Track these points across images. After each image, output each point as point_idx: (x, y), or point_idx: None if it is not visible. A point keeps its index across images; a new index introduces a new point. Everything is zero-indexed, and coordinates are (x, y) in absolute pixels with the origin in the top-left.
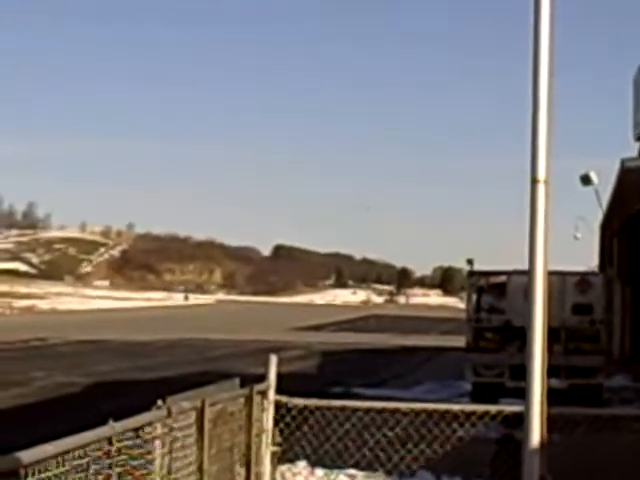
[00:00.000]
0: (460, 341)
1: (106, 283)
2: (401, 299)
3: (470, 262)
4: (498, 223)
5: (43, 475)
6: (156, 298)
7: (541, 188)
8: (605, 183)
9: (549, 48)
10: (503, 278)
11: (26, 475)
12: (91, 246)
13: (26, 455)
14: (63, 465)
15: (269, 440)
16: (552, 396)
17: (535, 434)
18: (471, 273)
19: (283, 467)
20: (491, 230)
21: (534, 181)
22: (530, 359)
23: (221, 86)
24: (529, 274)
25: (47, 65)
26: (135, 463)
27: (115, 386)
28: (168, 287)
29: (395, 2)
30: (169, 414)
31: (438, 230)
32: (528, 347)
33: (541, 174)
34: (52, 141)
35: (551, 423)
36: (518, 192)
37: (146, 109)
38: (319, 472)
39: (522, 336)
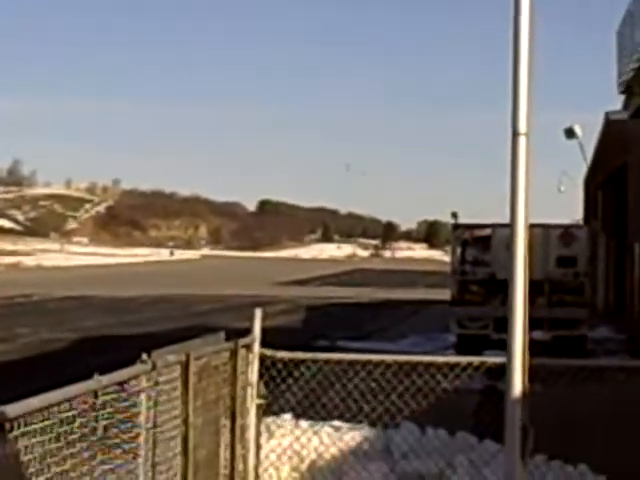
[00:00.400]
0: (445, 294)
1: (85, 240)
2: (386, 253)
3: (455, 215)
4: (483, 176)
5: (29, 428)
6: (142, 254)
7: (522, 141)
8: (589, 137)
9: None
10: (487, 231)
11: (12, 428)
12: (77, 203)
13: (11, 409)
14: (49, 418)
15: (254, 393)
16: (536, 348)
17: (517, 385)
18: (456, 226)
19: (268, 419)
20: (476, 183)
21: (515, 134)
22: (512, 311)
23: (211, 46)
24: (510, 227)
25: (32, 27)
26: (121, 417)
27: (101, 341)
28: (154, 243)
29: None
30: (154, 368)
31: (423, 184)
32: (510, 299)
33: (522, 127)
34: (38, 100)
35: (533, 374)
36: (502, 146)
37: (131, 68)
38: (304, 424)
39: (506, 289)
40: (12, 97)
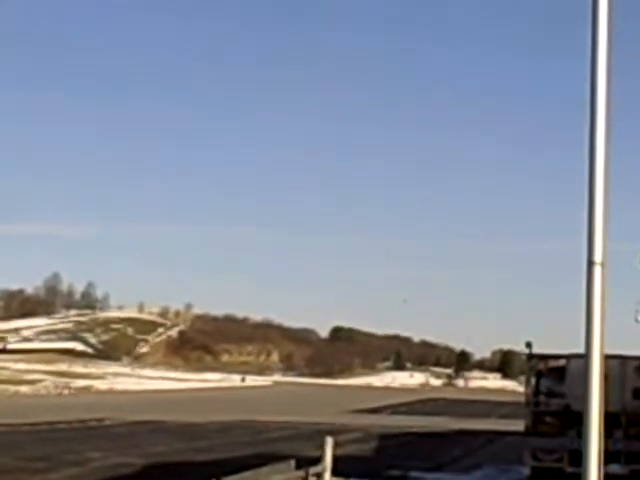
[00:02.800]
0: (519, 425)
1: (162, 364)
2: (460, 382)
3: (529, 345)
4: (558, 305)
5: None
6: (213, 379)
7: (597, 270)
8: None
9: (605, 134)
10: (562, 361)
11: None
12: (149, 326)
13: None
14: None
15: None
16: None
17: None
18: (530, 356)
19: None
20: (550, 312)
21: (590, 263)
22: (586, 444)
23: (279, 172)
24: (585, 358)
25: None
26: None
27: (170, 467)
28: (225, 368)
29: None
30: None
31: (497, 313)
32: (584, 432)
33: (597, 256)
34: (113, 224)
35: None
36: (579, 274)
37: (203, 194)
38: None
39: (581, 421)
40: (86, 221)
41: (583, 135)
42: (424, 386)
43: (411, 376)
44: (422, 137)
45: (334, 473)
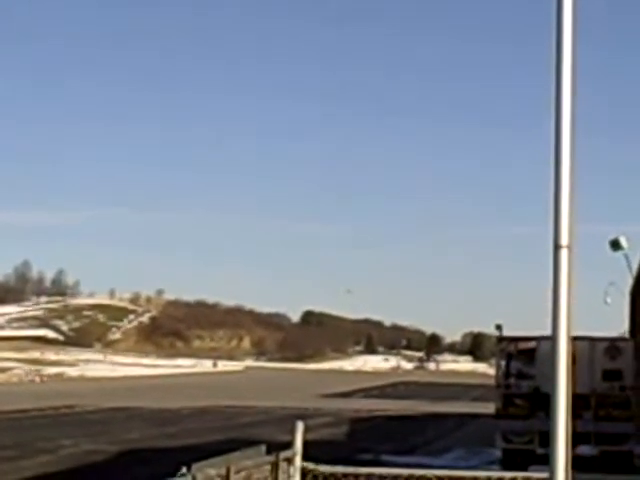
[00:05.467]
0: (490, 408)
1: (134, 351)
2: (431, 365)
3: (499, 328)
4: (527, 288)
5: None
6: (185, 365)
7: (564, 253)
8: (635, 248)
9: (571, 108)
10: (532, 344)
11: None
12: (120, 312)
13: None
14: None
15: None
16: (584, 463)
17: None
18: (500, 339)
19: None
20: (520, 296)
21: (557, 247)
22: (554, 426)
23: (246, 157)
24: (552, 340)
25: (82, 136)
26: None
27: (143, 453)
28: (197, 353)
29: None
30: None
31: (467, 296)
32: (552, 414)
33: (564, 240)
34: (82, 210)
35: None
36: (547, 257)
37: (178, 179)
38: None
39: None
40: (56, 208)
41: (550, 115)
42: (395, 369)
43: (384, 360)
44: (405, 123)
45: (305, 458)
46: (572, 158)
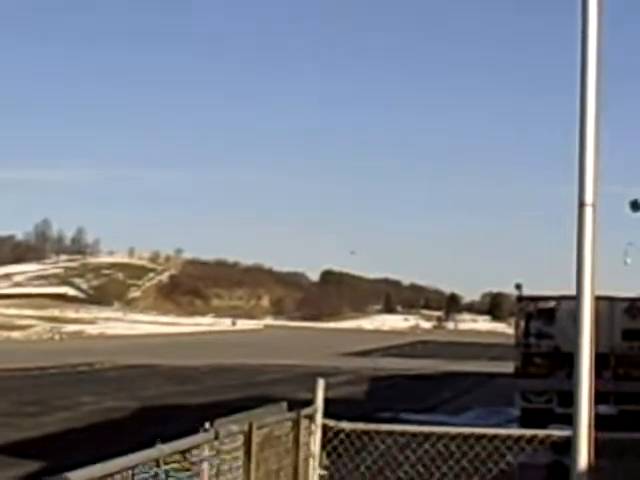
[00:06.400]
0: (509, 367)
1: (153, 309)
2: (449, 325)
3: (519, 287)
4: (549, 248)
5: None
6: (204, 323)
7: (588, 211)
8: None
9: (596, 75)
10: (552, 303)
11: None
12: (139, 271)
13: (74, 476)
14: None
15: (316, 463)
16: (602, 422)
17: (582, 459)
18: (520, 298)
19: None
20: (541, 255)
21: (581, 205)
22: (577, 385)
23: (266, 115)
24: (576, 299)
25: (109, 104)
26: None
27: (162, 410)
28: (216, 312)
29: None
30: (217, 437)
31: (487, 256)
32: (575, 373)
33: (588, 197)
34: (102, 169)
35: (600, 449)
36: (568, 217)
37: (192, 139)
38: None
39: (571, 362)
40: (76, 166)
41: (575, 76)
42: (414, 329)
43: (405, 319)
44: (415, 86)
45: (325, 415)
46: (597, 119)
